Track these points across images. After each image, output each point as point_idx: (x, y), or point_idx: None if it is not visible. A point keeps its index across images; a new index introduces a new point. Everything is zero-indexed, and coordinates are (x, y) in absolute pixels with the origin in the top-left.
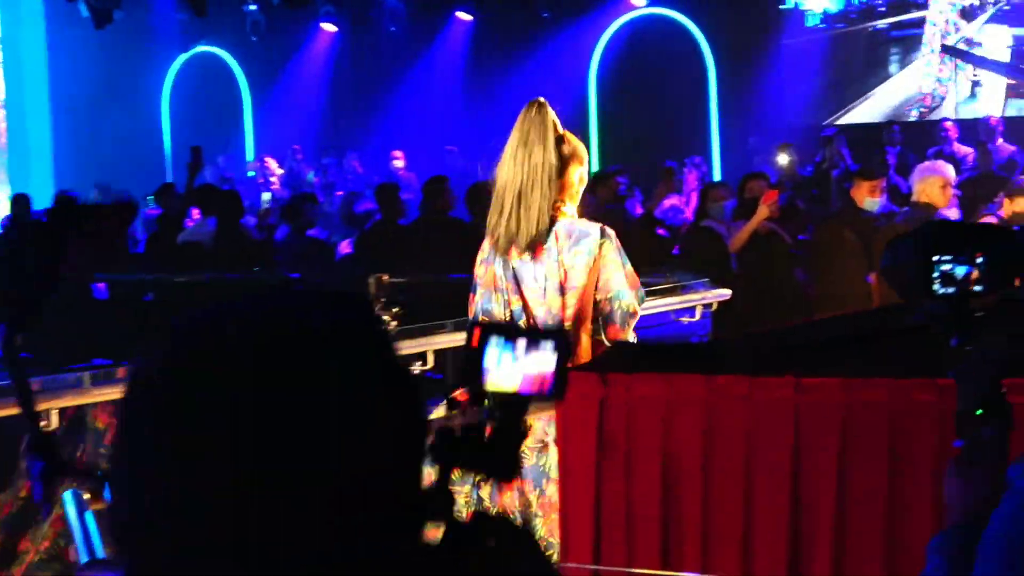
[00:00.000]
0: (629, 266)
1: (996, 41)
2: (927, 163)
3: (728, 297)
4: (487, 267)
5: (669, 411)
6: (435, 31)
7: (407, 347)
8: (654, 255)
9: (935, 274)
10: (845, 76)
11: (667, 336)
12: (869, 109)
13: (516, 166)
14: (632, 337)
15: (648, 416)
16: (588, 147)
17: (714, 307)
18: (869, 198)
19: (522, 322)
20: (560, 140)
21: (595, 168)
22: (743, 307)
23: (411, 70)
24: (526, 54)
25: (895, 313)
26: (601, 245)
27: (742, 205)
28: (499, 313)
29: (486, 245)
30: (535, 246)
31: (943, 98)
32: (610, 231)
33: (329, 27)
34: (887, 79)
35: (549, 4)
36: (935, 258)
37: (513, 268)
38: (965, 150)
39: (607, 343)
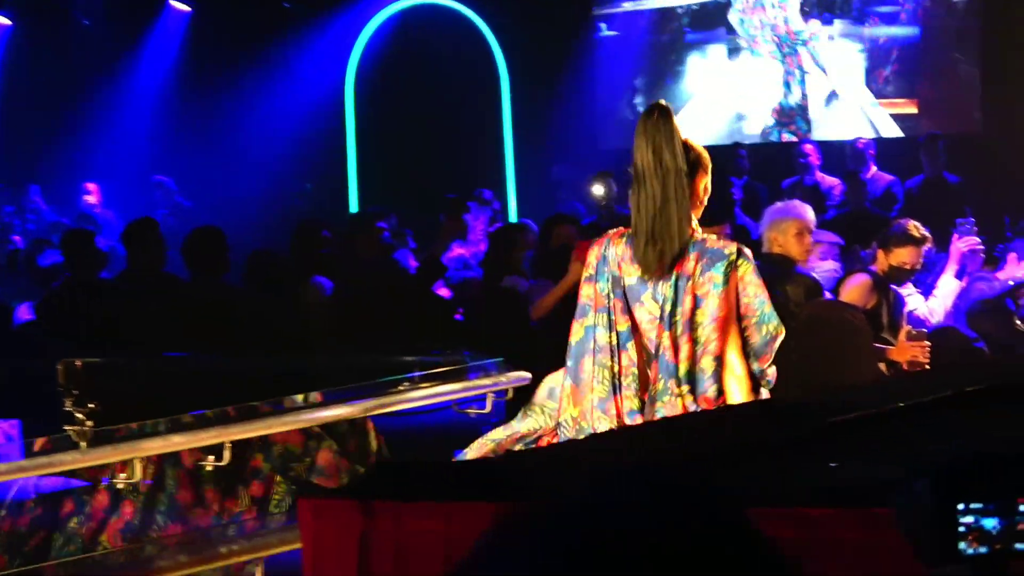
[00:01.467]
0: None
1: (844, 45)
2: (778, 204)
3: (528, 382)
4: (592, 286)
5: (450, 551)
6: (142, 26)
7: (98, 456)
8: (431, 323)
9: (961, 528)
10: (665, 88)
11: (448, 437)
12: (704, 127)
13: (650, 179)
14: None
15: (423, 558)
16: (345, 179)
17: (510, 395)
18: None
19: (630, 345)
20: (685, 147)
21: (353, 208)
22: None
23: (110, 77)
24: (261, 56)
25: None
26: (739, 267)
27: (547, 257)
28: (603, 337)
29: (591, 260)
30: (671, 266)
31: (796, 110)
32: (746, 249)
33: None
34: (718, 87)
35: None
36: (961, 507)
37: (624, 287)
38: (830, 181)
39: (764, 374)
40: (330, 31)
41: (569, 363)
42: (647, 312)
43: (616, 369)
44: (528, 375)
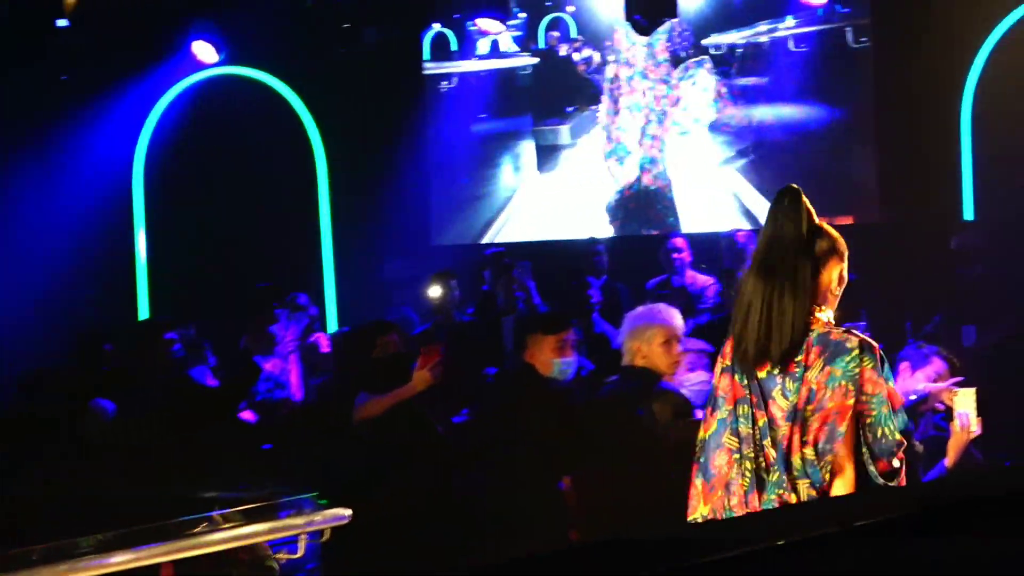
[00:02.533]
0: (892, 383)
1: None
2: (640, 309)
3: (347, 520)
4: (729, 378)
5: None
6: None
7: None
8: (236, 451)
9: None
10: (502, 175)
11: None
12: (555, 218)
13: (773, 262)
14: (898, 470)
15: None
16: (134, 280)
17: (326, 536)
18: (555, 358)
19: (767, 441)
20: (816, 233)
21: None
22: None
23: None
24: (37, 137)
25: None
26: (861, 361)
27: (371, 369)
28: (745, 430)
29: (727, 351)
30: (787, 360)
31: (663, 198)
32: (872, 342)
33: None
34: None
35: (69, 60)
36: None
37: (759, 381)
38: (703, 280)
39: (878, 478)
40: (118, 107)
41: (700, 458)
42: (779, 409)
43: (760, 463)
44: (348, 512)
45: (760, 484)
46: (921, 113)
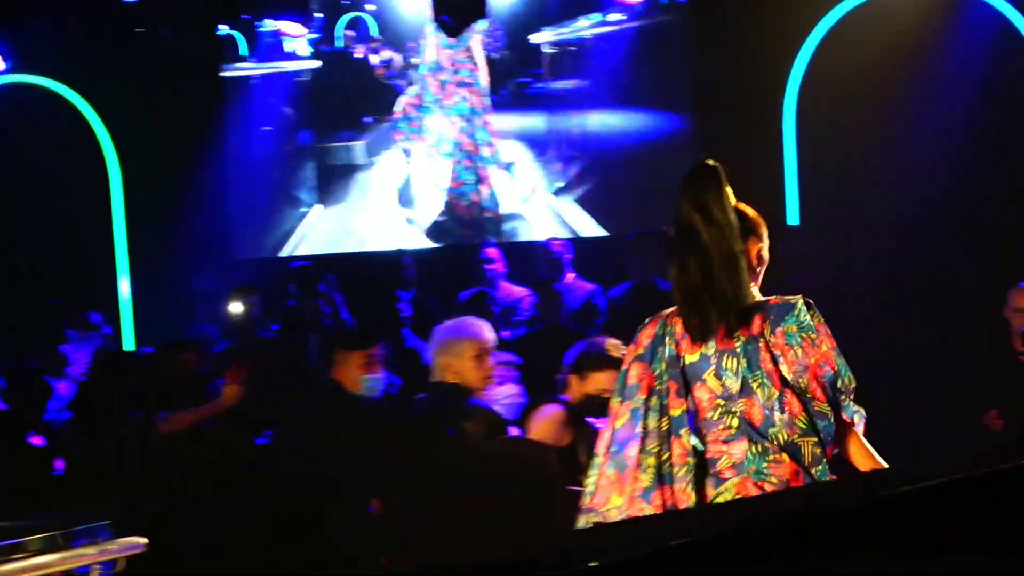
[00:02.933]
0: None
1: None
2: (449, 323)
3: (143, 548)
4: (643, 366)
5: None
6: None
7: None
8: (26, 476)
9: None
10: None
11: None
12: (359, 229)
13: (696, 239)
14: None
15: None
16: None
17: (121, 566)
18: (363, 375)
19: (684, 431)
20: (737, 213)
21: None
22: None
23: None
24: None
25: None
26: (810, 311)
27: (173, 387)
28: (652, 423)
29: (641, 339)
30: (729, 336)
31: (475, 207)
32: (809, 299)
33: None
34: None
35: None
36: None
37: (684, 367)
38: (518, 292)
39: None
40: None
41: (612, 448)
42: (708, 391)
43: (665, 457)
44: (143, 540)
45: (662, 480)
46: (743, 117)
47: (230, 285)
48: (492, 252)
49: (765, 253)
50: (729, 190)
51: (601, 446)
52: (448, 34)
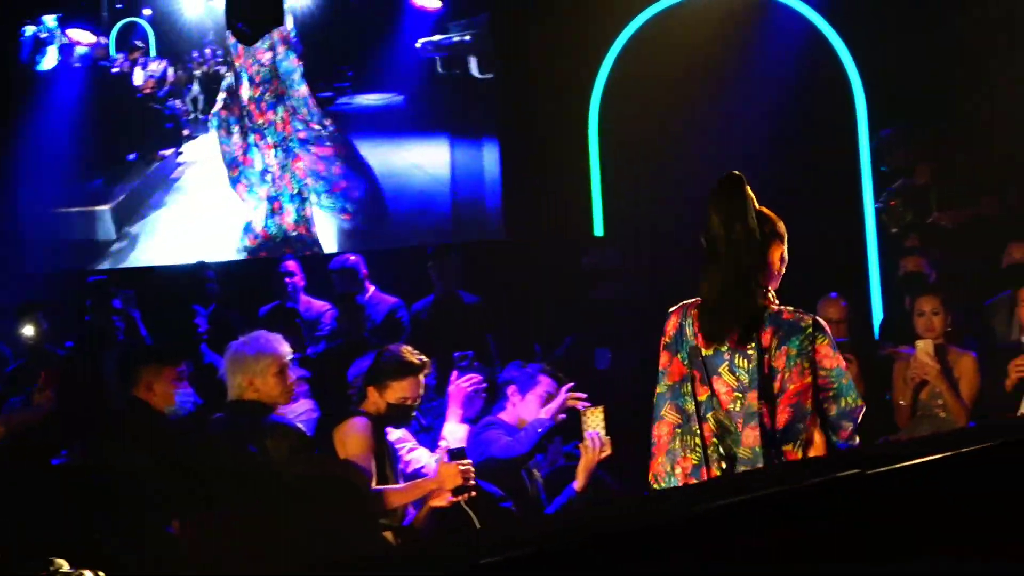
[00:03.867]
0: (841, 357)
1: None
2: (243, 339)
3: None
4: (669, 355)
5: None
6: None
7: None
8: None
9: None
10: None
11: None
12: (156, 243)
13: (721, 251)
14: (855, 433)
15: None
16: None
17: None
18: (172, 391)
19: (710, 415)
20: (760, 218)
21: None
22: None
23: None
24: None
25: None
26: (815, 338)
27: None
28: (689, 406)
29: (668, 329)
30: (744, 339)
31: (274, 223)
32: (822, 321)
33: None
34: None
35: None
36: None
37: (704, 358)
38: (319, 305)
39: (840, 445)
40: None
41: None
42: (724, 384)
43: (701, 438)
44: None
45: (707, 459)
46: (548, 129)
47: (20, 300)
48: (291, 265)
49: (786, 254)
50: (753, 199)
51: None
52: (242, 41)
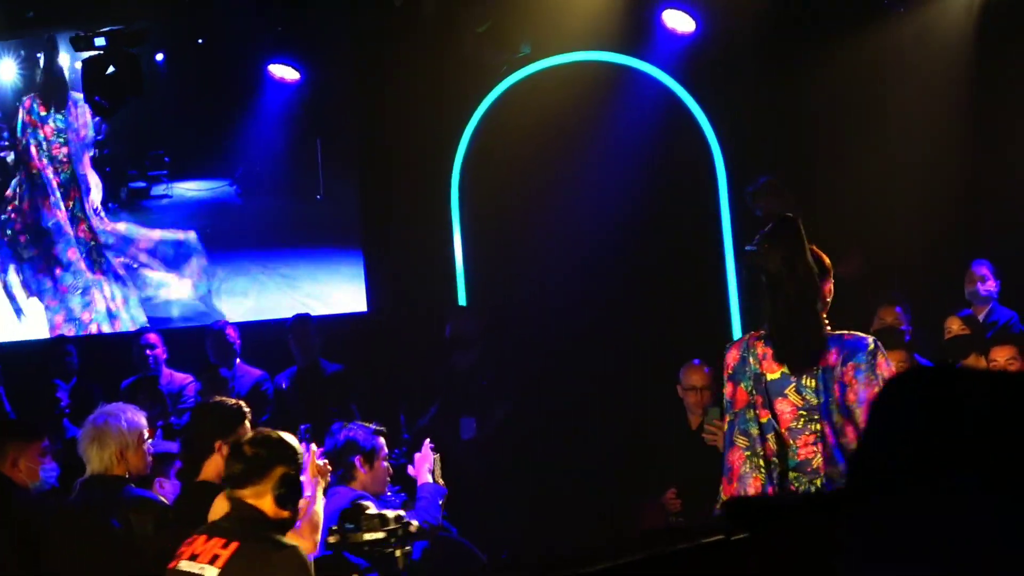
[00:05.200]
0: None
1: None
2: (103, 411)
3: None
4: (732, 385)
5: None
6: None
7: None
8: None
9: None
10: None
11: None
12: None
13: (786, 285)
14: None
15: None
16: None
17: None
18: (38, 466)
19: (771, 436)
20: (812, 254)
21: None
22: None
23: None
24: None
25: None
26: (878, 351)
27: None
28: (754, 431)
29: (729, 362)
30: (812, 362)
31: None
32: (878, 340)
33: None
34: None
35: None
36: None
37: (767, 383)
38: (181, 378)
39: None
40: None
41: (724, 454)
42: (789, 404)
43: (769, 457)
44: None
45: (770, 475)
46: (409, 199)
47: None
48: (152, 338)
49: (832, 288)
50: (806, 237)
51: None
52: (100, 115)
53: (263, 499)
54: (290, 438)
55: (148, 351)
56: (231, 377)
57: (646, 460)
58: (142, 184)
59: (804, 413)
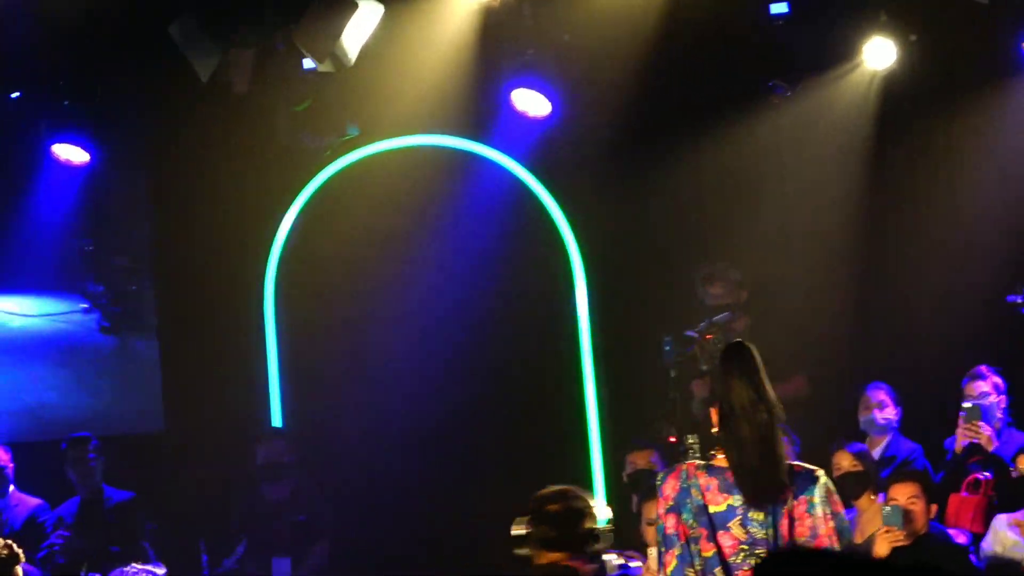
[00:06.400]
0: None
1: None
2: None
3: None
4: (675, 517)
5: None
6: None
7: None
8: None
9: None
10: None
11: None
12: None
13: (752, 415)
14: None
15: None
16: None
17: None
18: None
19: (717, 571)
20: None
21: None
22: None
23: None
24: None
25: None
26: (827, 486)
27: None
28: (698, 564)
29: (669, 493)
30: (775, 497)
31: None
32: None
33: None
34: None
35: None
36: None
37: (711, 515)
38: (33, 502)
39: None
40: None
41: None
42: (732, 538)
43: None
44: None
45: None
46: (215, 303)
47: None
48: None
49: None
50: None
51: None
52: None
53: None
54: None
55: None
56: (3, 508)
57: None
58: None
59: (746, 547)
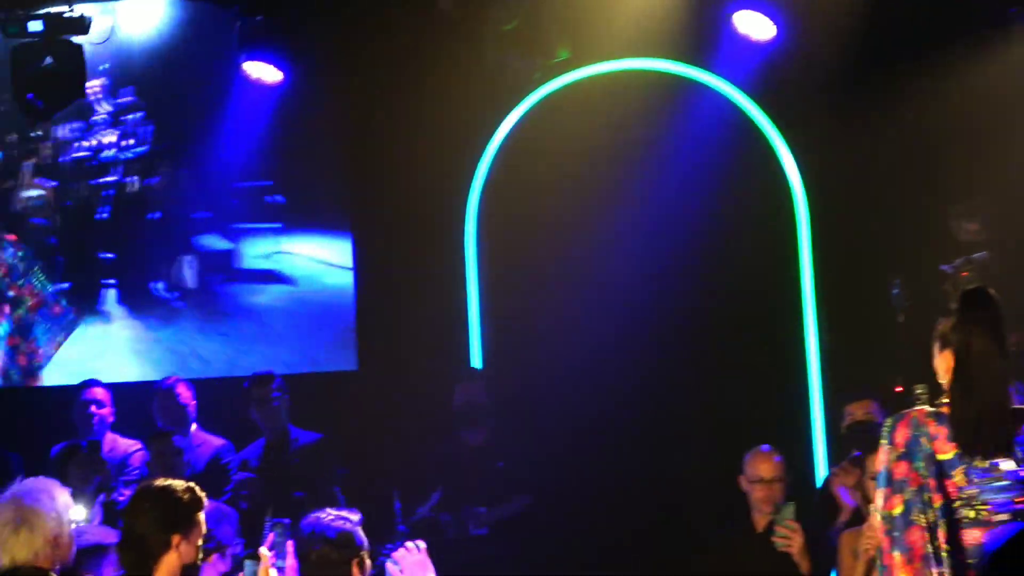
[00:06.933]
0: None
1: None
2: (15, 492)
3: None
4: (906, 464)
5: None
6: None
7: None
8: None
9: None
10: None
11: None
12: None
13: (991, 363)
14: None
15: None
16: None
17: None
18: None
19: (943, 523)
20: None
21: None
22: None
23: None
24: None
25: None
26: None
27: None
28: (931, 514)
29: (900, 441)
30: (1004, 450)
31: None
32: None
33: None
34: None
35: None
36: None
37: (939, 463)
38: (126, 446)
39: None
40: None
41: (895, 533)
42: (953, 486)
43: (936, 545)
44: None
45: (940, 564)
46: (412, 233)
47: None
48: (99, 393)
49: None
50: None
51: (879, 531)
52: (34, 118)
53: None
54: None
55: (93, 407)
56: (184, 447)
57: (698, 568)
58: None
59: (965, 496)
